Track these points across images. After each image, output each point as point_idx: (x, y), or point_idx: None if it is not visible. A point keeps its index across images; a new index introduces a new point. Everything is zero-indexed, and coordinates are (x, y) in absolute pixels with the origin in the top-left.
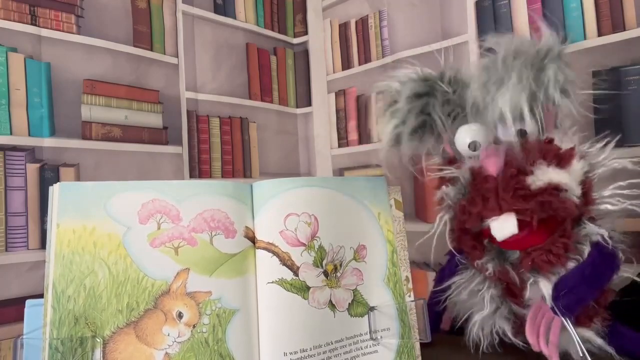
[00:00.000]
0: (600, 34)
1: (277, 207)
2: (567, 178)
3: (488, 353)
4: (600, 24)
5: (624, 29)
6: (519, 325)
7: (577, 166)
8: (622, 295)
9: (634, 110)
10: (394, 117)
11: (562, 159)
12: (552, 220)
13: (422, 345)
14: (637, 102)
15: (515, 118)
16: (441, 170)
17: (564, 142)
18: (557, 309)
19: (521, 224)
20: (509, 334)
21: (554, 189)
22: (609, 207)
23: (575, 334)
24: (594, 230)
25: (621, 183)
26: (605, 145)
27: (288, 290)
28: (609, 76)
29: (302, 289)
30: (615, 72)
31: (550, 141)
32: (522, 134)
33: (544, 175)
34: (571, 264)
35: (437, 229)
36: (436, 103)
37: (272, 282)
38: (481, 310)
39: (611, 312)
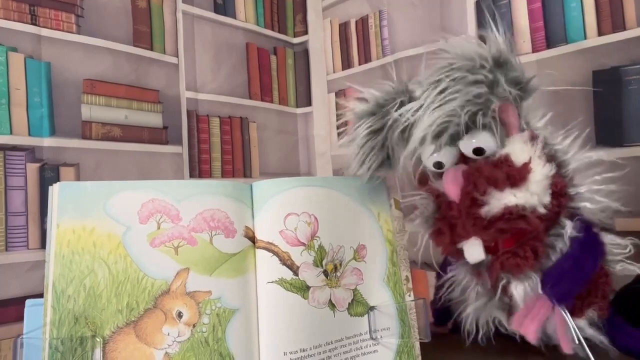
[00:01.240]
0: (600, 34)
1: (277, 206)
2: (524, 197)
3: (488, 352)
4: (600, 24)
5: (624, 29)
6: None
7: (539, 175)
8: (627, 289)
9: (634, 110)
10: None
11: (516, 179)
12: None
13: (422, 345)
14: (637, 102)
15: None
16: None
17: (524, 152)
18: (550, 300)
19: (491, 248)
20: (505, 324)
21: (512, 212)
22: (588, 205)
23: (572, 322)
24: (570, 227)
25: (597, 177)
26: (574, 139)
27: (288, 290)
28: (609, 76)
29: (302, 289)
30: (615, 71)
31: (504, 159)
32: (477, 152)
33: (498, 202)
34: (549, 263)
35: (421, 246)
36: (394, 135)
37: (272, 282)
38: (474, 303)
39: (613, 304)
